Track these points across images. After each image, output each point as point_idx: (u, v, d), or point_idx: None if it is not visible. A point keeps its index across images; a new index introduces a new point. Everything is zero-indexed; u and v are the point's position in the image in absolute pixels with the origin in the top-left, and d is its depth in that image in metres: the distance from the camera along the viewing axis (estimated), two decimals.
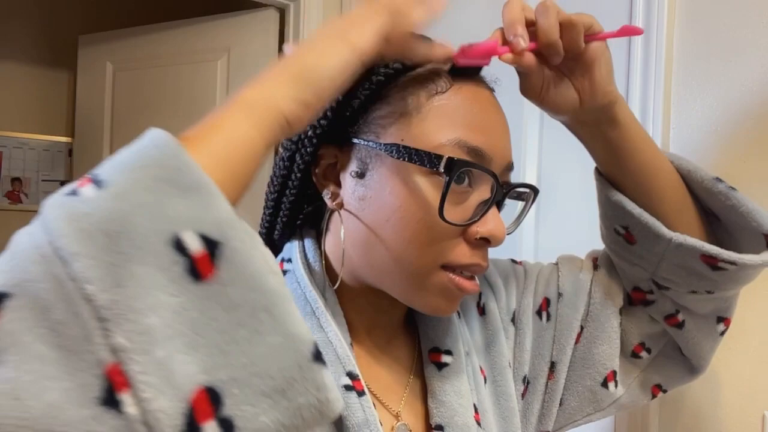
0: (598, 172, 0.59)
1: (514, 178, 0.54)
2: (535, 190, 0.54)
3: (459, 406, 0.52)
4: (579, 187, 0.98)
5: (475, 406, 0.54)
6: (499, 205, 0.50)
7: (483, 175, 0.48)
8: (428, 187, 0.47)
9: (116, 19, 2.45)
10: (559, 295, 0.62)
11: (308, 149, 0.51)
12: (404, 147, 0.47)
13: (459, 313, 0.60)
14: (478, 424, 0.53)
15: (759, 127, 0.76)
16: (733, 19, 0.80)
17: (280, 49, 1.78)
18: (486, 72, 0.54)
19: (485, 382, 0.57)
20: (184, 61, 1.93)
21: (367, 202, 0.49)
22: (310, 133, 0.51)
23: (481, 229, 0.47)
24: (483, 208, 0.48)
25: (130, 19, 2.45)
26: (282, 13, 1.78)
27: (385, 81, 0.49)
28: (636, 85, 0.89)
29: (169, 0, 2.57)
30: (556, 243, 1.03)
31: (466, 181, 0.47)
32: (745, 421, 0.77)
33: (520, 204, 0.56)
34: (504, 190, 0.49)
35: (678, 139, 0.85)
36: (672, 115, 0.86)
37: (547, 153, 1.05)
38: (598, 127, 0.53)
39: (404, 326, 0.58)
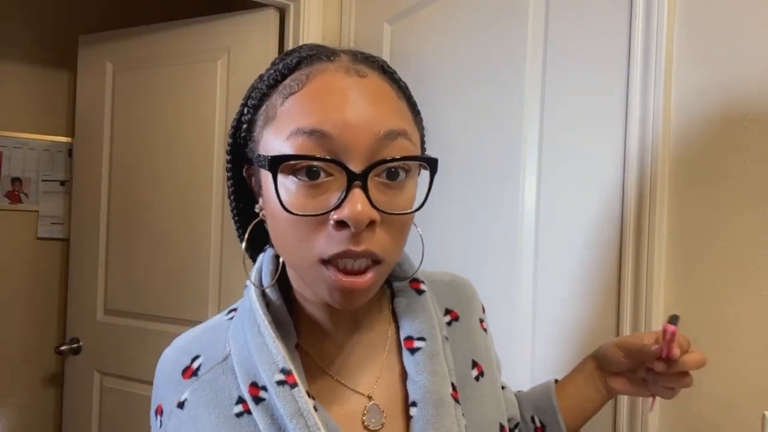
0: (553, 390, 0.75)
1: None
2: (429, 162, 0.52)
3: (432, 384, 0.57)
4: (580, 189, 0.98)
5: (453, 384, 0.59)
6: (367, 184, 0.48)
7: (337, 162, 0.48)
8: (280, 187, 0.49)
9: (116, 19, 2.45)
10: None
11: (228, 174, 0.60)
12: (258, 156, 0.52)
13: (458, 316, 0.68)
14: (456, 401, 0.58)
15: (760, 128, 0.76)
16: (733, 20, 0.80)
17: (281, 50, 1.78)
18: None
19: (482, 375, 0.65)
20: (184, 61, 1.92)
21: (266, 210, 0.54)
22: (226, 159, 0.59)
23: (335, 215, 0.48)
24: (342, 194, 0.48)
25: (130, 19, 2.45)
26: (282, 13, 1.78)
27: (259, 102, 0.55)
28: (636, 86, 0.89)
29: (169, 0, 2.57)
30: (556, 241, 1.03)
31: (321, 172, 0.48)
32: (745, 421, 0.77)
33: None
34: (364, 170, 0.48)
35: (679, 139, 0.85)
36: (672, 115, 0.86)
37: (547, 154, 1.05)
38: (596, 385, 0.73)
39: (384, 313, 0.63)
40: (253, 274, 0.60)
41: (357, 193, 0.47)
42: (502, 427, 0.63)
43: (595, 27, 0.98)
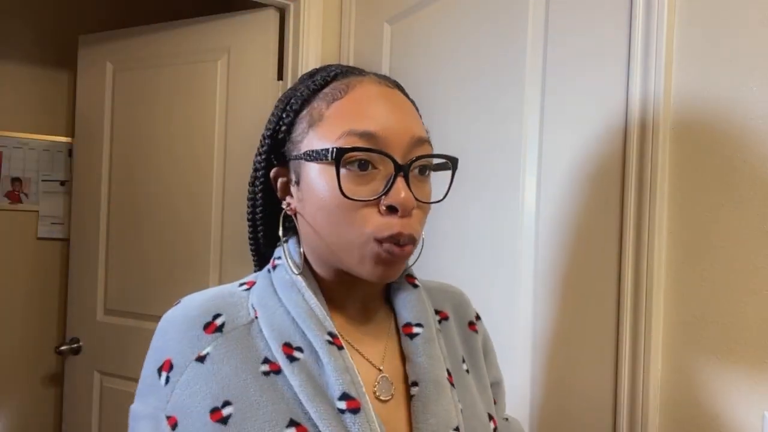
0: None
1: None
2: (452, 160, 0.63)
3: (430, 366, 0.63)
4: (579, 189, 0.98)
5: (448, 370, 0.65)
6: (408, 175, 0.58)
7: (384, 156, 0.57)
8: (334, 177, 0.57)
9: (116, 19, 2.45)
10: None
11: (260, 173, 0.67)
12: (310, 151, 0.59)
13: (448, 316, 0.73)
14: (452, 384, 0.64)
15: (760, 128, 0.76)
16: (733, 20, 0.80)
17: (280, 50, 1.78)
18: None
19: (467, 372, 0.70)
20: (184, 61, 1.93)
21: (305, 202, 0.62)
22: (258, 159, 0.66)
23: (385, 200, 0.57)
24: (389, 183, 0.58)
25: (130, 19, 2.46)
26: (282, 13, 1.78)
27: (300, 107, 0.63)
28: (636, 87, 0.89)
29: (169, 0, 2.58)
30: (556, 241, 1.03)
31: (369, 164, 0.57)
32: (745, 421, 0.77)
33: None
34: (407, 163, 0.58)
35: (679, 138, 0.86)
36: (672, 116, 0.86)
37: (547, 154, 1.05)
38: None
39: (384, 304, 0.70)
40: (286, 257, 0.66)
41: (400, 181, 0.57)
42: (491, 417, 0.68)
43: (595, 28, 0.98)
